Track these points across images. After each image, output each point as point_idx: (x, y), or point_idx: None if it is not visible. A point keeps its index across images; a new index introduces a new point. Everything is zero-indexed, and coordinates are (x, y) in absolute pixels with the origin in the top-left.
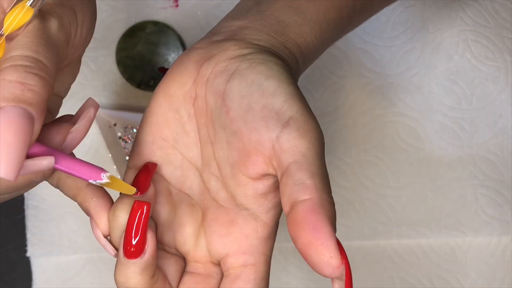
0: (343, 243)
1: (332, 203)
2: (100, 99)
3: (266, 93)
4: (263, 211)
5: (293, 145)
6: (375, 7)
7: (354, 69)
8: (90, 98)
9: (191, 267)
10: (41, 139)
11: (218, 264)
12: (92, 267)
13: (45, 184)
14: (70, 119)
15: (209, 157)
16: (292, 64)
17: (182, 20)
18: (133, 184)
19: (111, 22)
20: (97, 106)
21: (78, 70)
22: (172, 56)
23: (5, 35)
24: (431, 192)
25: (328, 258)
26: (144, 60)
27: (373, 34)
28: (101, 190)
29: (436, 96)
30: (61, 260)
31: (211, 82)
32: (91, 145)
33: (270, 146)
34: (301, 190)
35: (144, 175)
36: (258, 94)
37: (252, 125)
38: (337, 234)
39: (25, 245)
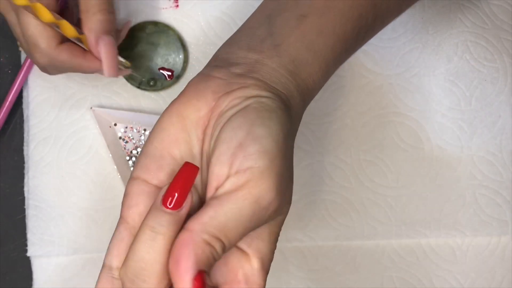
0: (343, 243)
1: (211, 248)
2: (100, 99)
3: (250, 135)
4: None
5: (225, 195)
6: (375, 32)
7: (354, 69)
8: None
9: None
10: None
11: None
12: (92, 267)
13: (45, 184)
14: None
15: (205, 186)
16: (298, 109)
17: (182, 21)
18: (168, 193)
19: None
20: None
21: None
22: (172, 56)
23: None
24: (431, 192)
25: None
26: (144, 61)
27: None
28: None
29: (435, 97)
30: (61, 260)
31: (224, 114)
32: (91, 145)
33: (219, 180)
34: (194, 219)
35: (183, 184)
36: (244, 132)
37: (220, 157)
38: (337, 234)
39: (26, 245)
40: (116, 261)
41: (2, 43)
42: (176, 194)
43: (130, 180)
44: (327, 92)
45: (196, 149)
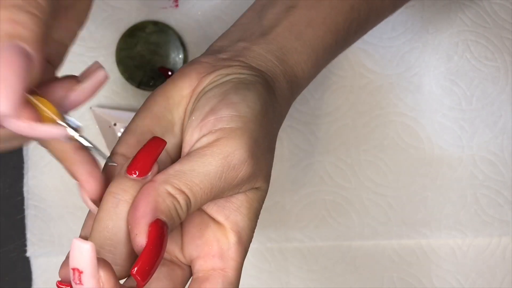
0: (343, 243)
1: (173, 199)
2: (100, 99)
3: (224, 101)
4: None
5: (194, 151)
6: (370, 26)
7: (354, 69)
8: (96, 62)
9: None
10: (42, 92)
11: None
12: None
13: (45, 184)
14: (75, 78)
15: None
16: (284, 94)
17: (182, 20)
18: (133, 162)
19: (111, 22)
20: (106, 73)
21: (86, 18)
22: (172, 56)
23: None
24: (431, 192)
25: (134, 235)
26: (144, 60)
27: (373, 34)
28: (88, 155)
29: (436, 96)
30: (61, 260)
31: (204, 90)
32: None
33: (190, 145)
34: (160, 173)
35: (148, 153)
36: (218, 99)
37: (192, 123)
38: (337, 234)
39: (25, 245)
40: (89, 232)
41: None
42: (141, 163)
43: (110, 155)
44: (327, 92)
45: (178, 127)
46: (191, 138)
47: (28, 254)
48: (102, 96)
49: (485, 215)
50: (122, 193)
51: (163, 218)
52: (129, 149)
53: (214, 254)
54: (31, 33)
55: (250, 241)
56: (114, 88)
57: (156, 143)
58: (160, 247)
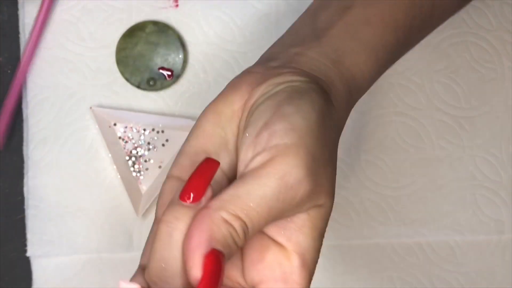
0: (343, 243)
1: (229, 226)
2: (99, 98)
3: (277, 113)
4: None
5: (249, 173)
6: (435, 23)
7: None
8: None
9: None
10: None
11: None
12: (92, 267)
13: (45, 184)
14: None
15: None
16: (341, 98)
17: (182, 20)
18: (186, 188)
19: (111, 22)
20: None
21: None
22: (172, 56)
23: None
24: (431, 192)
25: (189, 268)
26: (144, 60)
27: None
28: None
29: (436, 95)
30: (61, 260)
31: (256, 103)
32: (91, 145)
33: (244, 163)
34: (214, 198)
35: (201, 176)
36: (271, 112)
37: (245, 141)
38: (336, 234)
39: (25, 245)
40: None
41: (2, 43)
42: (194, 188)
43: (165, 179)
44: None
45: (232, 144)
46: (246, 157)
47: (28, 254)
48: (102, 96)
49: (483, 216)
50: (176, 221)
51: (219, 247)
52: (184, 171)
53: (277, 278)
54: (238, 241)
55: (316, 262)
56: (114, 88)
57: (209, 165)
58: (217, 279)
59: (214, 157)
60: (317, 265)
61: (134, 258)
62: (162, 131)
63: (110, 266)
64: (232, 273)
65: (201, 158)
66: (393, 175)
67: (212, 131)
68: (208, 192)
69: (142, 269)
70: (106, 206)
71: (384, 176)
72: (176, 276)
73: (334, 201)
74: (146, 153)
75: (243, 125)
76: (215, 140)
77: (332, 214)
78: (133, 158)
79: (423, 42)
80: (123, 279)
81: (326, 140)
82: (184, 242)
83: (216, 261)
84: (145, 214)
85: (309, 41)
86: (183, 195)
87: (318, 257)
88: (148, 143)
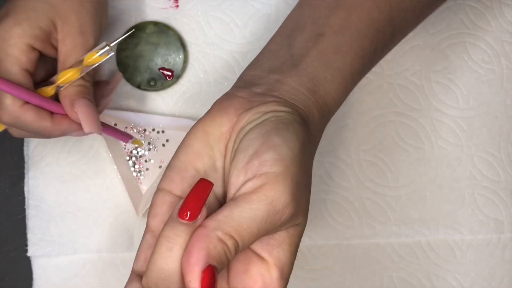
0: (343, 243)
1: (224, 245)
2: None
3: (266, 143)
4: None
5: (241, 196)
6: (394, 44)
7: None
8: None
9: None
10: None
11: None
12: (92, 267)
13: (45, 184)
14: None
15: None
16: (317, 125)
17: (182, 21)
18: (184, 206)
19: (111, 22)
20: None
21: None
22: (172, 56)
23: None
24: (430, 192)
25: (188, 281)
26: (144, 61)
27: None
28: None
29: (435, 96)
30: (61, 260)
31: (244, 128)
32: (91, 145)
33: (236, 187)
34: (210, 217)
35: (197, 197)
36: (260, 141)
37: (237, 166)
38: (336, 233)
39: (26, 245)
40: (143, 266)
41: None
42: (191, 207)
43: (156, 191)
44: None
45: (219, 163)
46: (237, 181)
47: (28, 254)
48: None
49: (482, 215)
50: (175, 237)
51: (214, 263)
52: (173, 185)
53: None
54: (89, 91)
55: (290, 273)
56: None
57: (204, 186)
58: None
59: (203, 175)
60: (317, 265)
61: (134, 258)
62: (163, 131)
63: (111, 266)
64: (219, 281)
65: (190, 173)
66: (392, 175)
67: (201, 149)
68: (203, 211)
69: (137, 274)
70: (107, 206)
71: (384, 176)
72: (175, 286)
73: (334, 200)
74: (147, 153)
75: (231, 149)
76: (204, 158)
77: (332, 214)
78: (134, 158)
79: (421, 43)
80: None
81: (306, 167)
82: (184, 258)
83: (211, 275)
84: (145, 214)
85: (288, 69)
86: (181, 214)
87: (292, 268)
88: (149, 143)
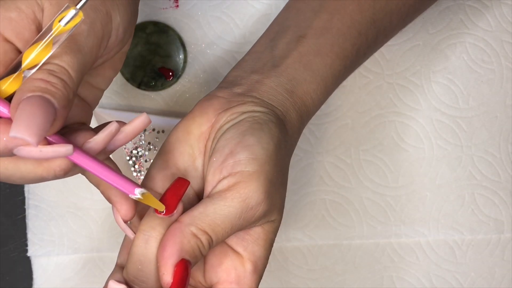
0: (343, 243)
1: (197, 240)
2: (100, 99)
3: (241, 143)
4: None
5: (216, 194)
6: (378, 46)
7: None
8: (114, 122)
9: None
10: (66, 136)
11: None
12: (92, 267)
13: (45, 184)
14: (92, 131)
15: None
16: (294, 125)
17: (182, 21)
18: (160, 201)
19: None
20: (120, 125)
21: (120, 65)
22: (172, 57)
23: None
24: (430, 192)
25: (161, 274)
26: (144, 60)
27: None
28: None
29: (435, 95)
30: (61, 260)
31: (221, 128)
32: None
33: (212, 185)
34: (185, 213)
35: (174, 193)
36: (236, 141)
37: (213, 165)
38: (336, 233)
39: (26, 245)
40: (126, 260)
41: None
42: (167, 203)
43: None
44: None
45: (199, 161)
46: (213, 179)
47: (29, 253)
48: (102, 97)
49: (482, 215)
50: (151, 230)
51: (188, 257)
52: (156, 183)
53: (231, 280)
54: (59, 92)
55: (265, 268)
56: (115, 88)
57: (180, 184)
58: (185, 284)
59: (183, 173)
60: (317, 265)
61: None
62: (163, 131)
63: (111, 265)
64: (195, 273)
65: (171, 171)
66: (392, 175)
67: (182, 148)
68: (179, 207)
69: (120, 267)
70: (107, 205)
71: (384, 176)
72: (151, 275)
73: (334, 200)
74: (147, 153)
75: (210, 148)
76: (184, 157)
77: (332, 214)
78: (134, 158)
79: (421, 43)
80: (112, 280)
81: (281, 166)
82: (158, 251)
83: (184, 268)
84: None
85: (268, 70)
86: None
87: (267, 263)
88: (149, 143)
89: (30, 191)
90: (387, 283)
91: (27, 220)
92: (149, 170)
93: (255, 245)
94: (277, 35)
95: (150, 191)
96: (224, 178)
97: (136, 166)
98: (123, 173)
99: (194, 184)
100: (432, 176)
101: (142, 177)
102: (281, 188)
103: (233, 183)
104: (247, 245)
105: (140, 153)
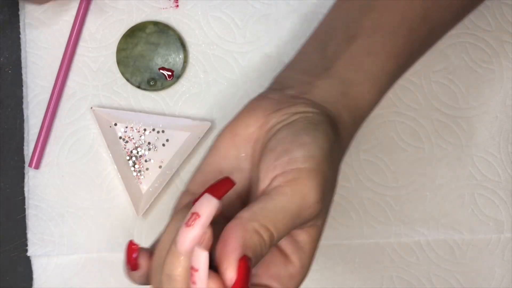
0: (343, 243)
1: (260, 236)
2: (100, 99)
3: (296, 142)
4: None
5: (274, 189)
6: (434, 41)
7: None
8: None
9: None
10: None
11: None
12: (92, 267)
13: (45, 184)
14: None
15: (253, 195)
16: (347, 127)
17: (182, 21)
18: (200, 196)
19: (111, 22)
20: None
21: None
22: (172, 57)
23: None
24: (430, 192)
25: (224, 269)
26: (144, 61)
27: None
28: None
29: (434, 96)
30: (61, 260)
31: (272, 130)
32: (91, 145)
33: (266, 184)
34: (244, 210)
35: (214, 191)
36: (290, 140)
37: (266, 163)
38: (336, 233)
39: (26, 245)
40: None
41: (2, 43)
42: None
43: (182, 193)
44: None
45: (245, 164)
46: (266, 176)
47: (28, 253)
48: (102, 96)
49: (482, 215)
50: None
51: (250, 254)
52: (197, 187)
53: (274, 279)
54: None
55: (308, 272)
56: (115, 88)
57: (226, 182)
58: (248, 282)
59: (227, 175)
60: (317, 265)
61: None
62: (163, 131)
63: (111, 265)
64: None
65: (213, 175)
66: (392, 175)
67: (227, 151)
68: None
69: (190, 193)
70: (107, 205)
71: (384, 176)
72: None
73: (334, 201)
74: (147, 153)
75: (259, 149)
76: (230, 160)
77: (331, 213)
78: (134, 158)
79: None
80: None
81: (335, 168)
82: (219, 247)
83: (247, 265)
84: (145, 214)
85: (319, 72)
86: (195, 202)
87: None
88: (149, 143)
89: (30, 191)
90: (387, 283)
91: (27, 220)
92: (193, 174)
93: (302, 252)
94: (326, 35)
95: (191, 194)
96: (278, 175)
97: (136, 166)
98: (123, 172)
99: (237, 187)
100: (432, 176)
101: (142, 177)
102: (331, 192)
103: (291, 179)
104: (296, 248)
105: (140, 153)
